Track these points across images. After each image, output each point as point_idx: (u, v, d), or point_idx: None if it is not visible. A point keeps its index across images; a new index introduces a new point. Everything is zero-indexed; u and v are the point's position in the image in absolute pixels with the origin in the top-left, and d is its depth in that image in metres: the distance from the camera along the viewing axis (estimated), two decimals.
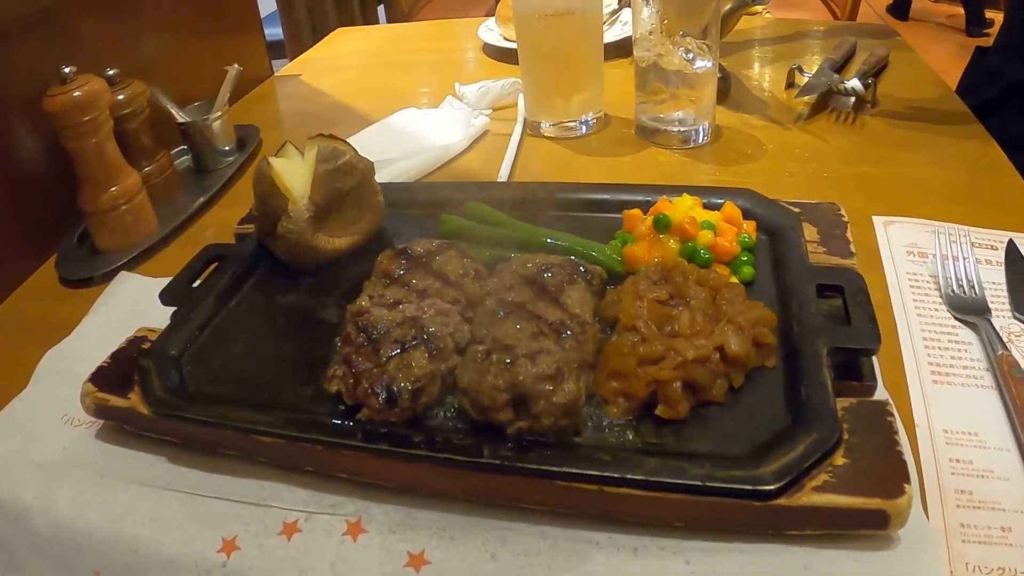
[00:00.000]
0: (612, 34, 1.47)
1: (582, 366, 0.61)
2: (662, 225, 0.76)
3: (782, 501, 0.52)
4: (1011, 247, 0.82)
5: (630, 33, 1.10)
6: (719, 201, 0.81)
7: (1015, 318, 0.74)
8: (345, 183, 0.81)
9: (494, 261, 0.76)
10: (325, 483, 0.62)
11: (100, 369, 0.70)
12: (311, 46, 1.90)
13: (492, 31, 1.61)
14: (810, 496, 0.52)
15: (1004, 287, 0.78)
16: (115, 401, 0.67)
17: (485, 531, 0.58)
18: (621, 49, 1.42)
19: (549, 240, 0.80)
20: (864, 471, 0.53)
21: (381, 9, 4.00)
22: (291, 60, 1.75)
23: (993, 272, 0.80)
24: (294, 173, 0.80)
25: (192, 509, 0.62)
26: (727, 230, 0.76)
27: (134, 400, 0.67)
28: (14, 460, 0.68)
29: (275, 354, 0.72)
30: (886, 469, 0.53)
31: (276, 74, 1.62)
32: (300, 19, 3.58)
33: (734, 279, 0.73)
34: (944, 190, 0.97)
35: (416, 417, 0.61)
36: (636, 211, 0.81)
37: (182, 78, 1.24)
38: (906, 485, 0.52)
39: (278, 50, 3.28)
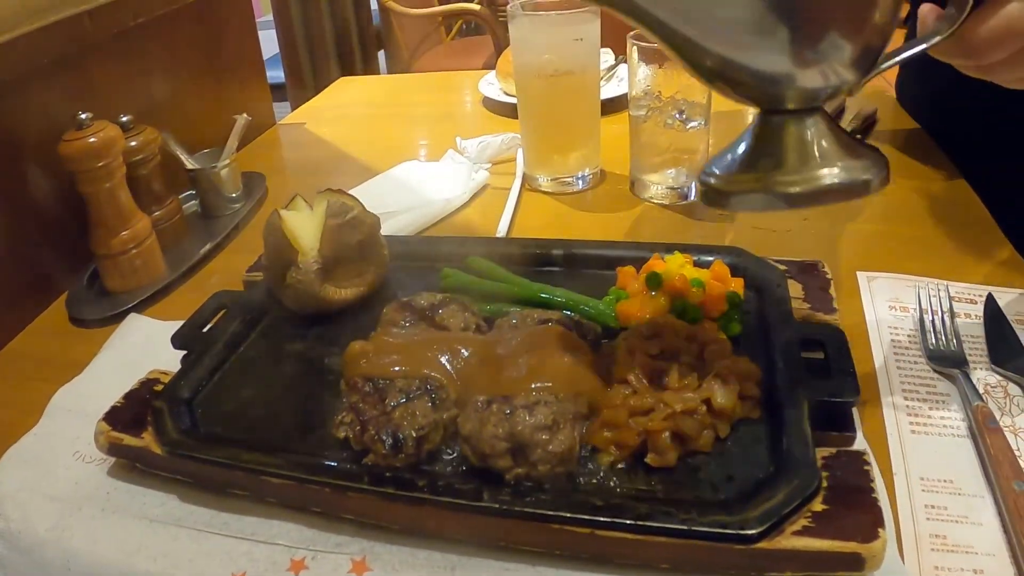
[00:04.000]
0: (609, 90, 1.50)
1: (577, 417, 0.64)
2: (654, 283, 0.79)
3: (763, 544, 0.54)
4: (990, 301, 0.84)
5: (627, 90, 1.13)
6: (709, 259, 0.84)
7: (992, 370, 0.77)
8: (352, 237, 0.84)
9: (494, 315, 0.79)
10: (332, 523, 0.64)
11: (113, 409, 0.72)
12: (312, 89, 1.92)
13: (492, 85, 1.63)
14: (790, 540, 0.54)
15: (982, 340, 0.80)
16: (129, 440, 0.69)
17: (485, 571, 0.59)
18: (618, 105, 1.44)
19: (546, 295, 0.82)
20: (841, 516, 0.56)
21: (381, 54, 4.05)
22: (292, 103, 1.76)
23: (972, 325, 0.82)
24: (304, 226, 0.82)
25: (202, 545, 0.64)
26: (716, 287, 0.78)
27: (147, 440, 0.68)
28: (28, 493, 0.69)
29: (284, 399, 0.74)
30: (862, 515, 0.55)
31: (280, 122, 1.64)
32: (301, 62, 3.62)
33: (722, 335, 0.75)
34: (927, 245, 0.99)
35: (419, 462, 0.64)
36: (629, 268, 0.83)
37: (189, 125, 1.26)
38: (880, 530, 0.54)
39: (279, 93, 3.32)
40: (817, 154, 0.59)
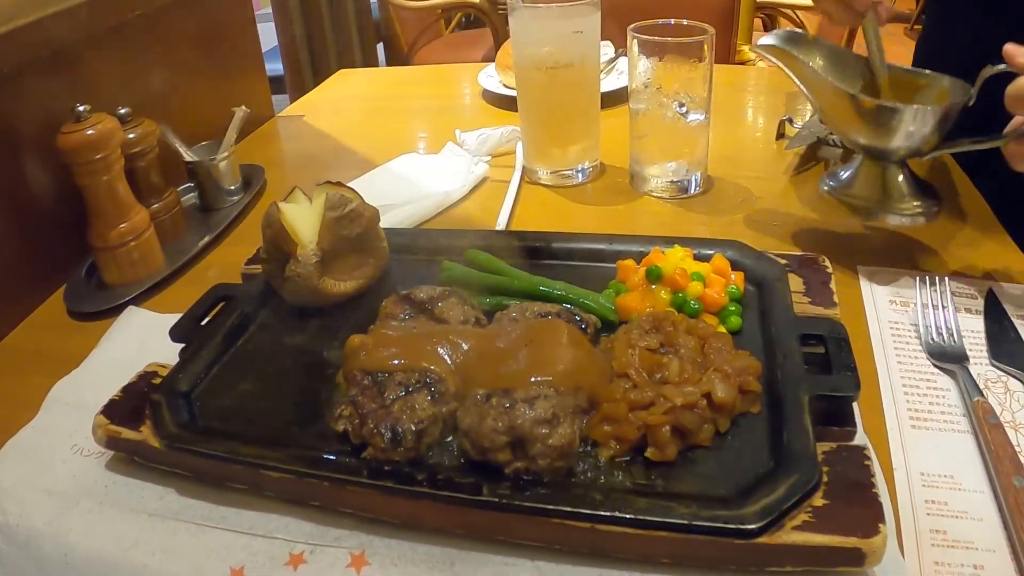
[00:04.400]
0: (608, 83, 1.50)
1: (576, 411, 0.63)
2: (654, 276, 0.79)
3: (763, 539, 0.54)
4: (990, 296, 0.85)
5: (626, 83, 1.13)
6: (709, 252, 0.84)
7: (992, 365, 0.77)
8: (351, 230, 0.83)
9: (493, 308, 0.79)
10: (330, 517, 0.64)
11: (112, 402, 0.72)
12: (310, 82, 1.91)
13: (492, 78, 1.63)
14: (790, 535, 0.54)
15: (983, 335, 0.81)
16: (127, 434, 0.68)
17: (483, 565, 0.59)
18: (617, 98, 1.44)
19: (546, 289, 0.82)
20: (841, 511, 0.56)
21: (380, 47, 4.04)
22: (291, 95, 1.76)
23: (972, 320, 0.83)
24: (302, 218, 0.82)
25: (200, 539, 0.63)
26: (716, 281, 0.79)
27: (146, 433, 0.68)
28: (25, 487, 0.69)
29: (282, 393, 0.74)
30: (862, 510, 0.56)
31: (279, 114, 1.64)
32: (300, 55, 3.61)
33: (722, 329, 0.75)
34: (928, 240, 0.99)
35: (419, 456, 0.63)
36: (629, 262, 0.83)
37: (188, 117, 1.26)
38: (881, 525, 0.54)
39: (278, 85, 3.31)
40: (909, 192, 0.93)
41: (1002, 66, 0.80)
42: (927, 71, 0.93)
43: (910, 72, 0.94)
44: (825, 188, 0.99)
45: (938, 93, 0.91)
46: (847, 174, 0.97)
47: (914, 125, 0.86)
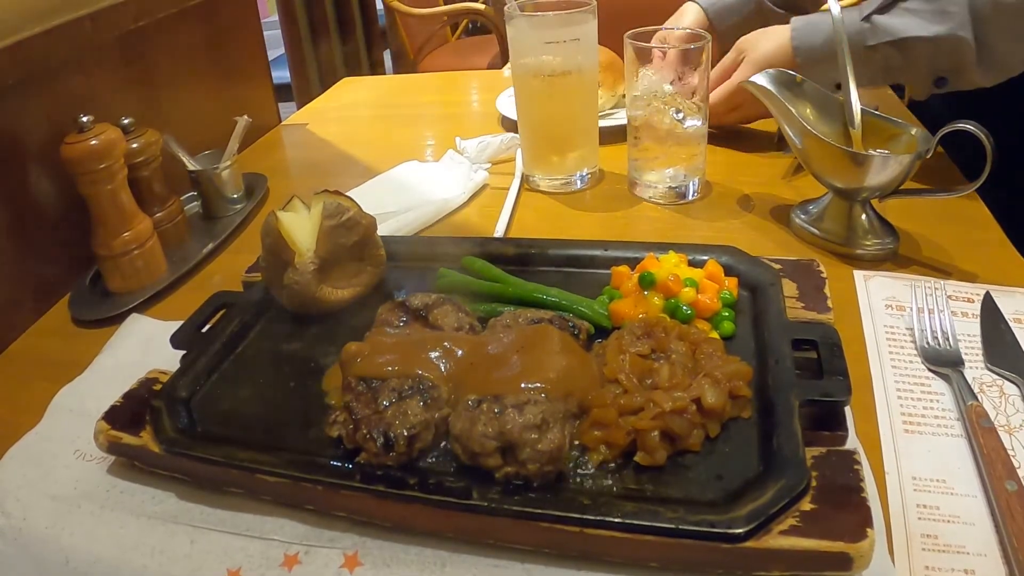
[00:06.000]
0: None
1: (566, 416, 0.64)
2: (647, 283, 0.79)
3: (750, 544, 0.55)
4: (987, 300, 0.85)
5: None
6: (703, 258, 0.85)
7: (987, 369, 0.77)
8: (348, 238, 0.84)
9: (488, 315, 0.80)
10: (324, 519, 0.64)
11: (113, 408, 0.72)
12: (317, 89, 1.92)
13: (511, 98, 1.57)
14: (777, 539, 0.55)
15: (979, 339, 0.81)
16: (127, 439, 0.69)
17: (474, 567, 0.60)
18: None
19: (541, 295, 0.82)
20: (829, 516, 0.56)
21: (387, 54, 4.06)
22: (297, 102, 1.77)
23: (968, 324, 0.83)
24: (300, 227, 0.83)
25: (198, 541, 0.65)
26: (709, 287, 0.79)
27: (146, 439, 0.69)
28: (29, 491, 0.70)
29: (280, 399, 0.75)
30: (850, 514, 0.56)
31: (283, 122, 1.65)
32: (307, 63, 3.63)
33: (714, 334, 0.76)
34: (925, 243, 0.99)
35: (411, 461, 0.64)
36: (624, 268, 0.84)
37: (192, 126, 1.27)
38: (868, 529, 0.54)
39: (285, 93, 3.32)
40: (871, 228, 0.99)
41: (961, 124, 0.87)
42: (899, 120, 0.99)
43: (885, 119, 1.00)
44: (797, 220, 1.05)
45: (907, 142, 0.97)
46: (816, 209, 1.04)
47: (878, 171, 0.93)
